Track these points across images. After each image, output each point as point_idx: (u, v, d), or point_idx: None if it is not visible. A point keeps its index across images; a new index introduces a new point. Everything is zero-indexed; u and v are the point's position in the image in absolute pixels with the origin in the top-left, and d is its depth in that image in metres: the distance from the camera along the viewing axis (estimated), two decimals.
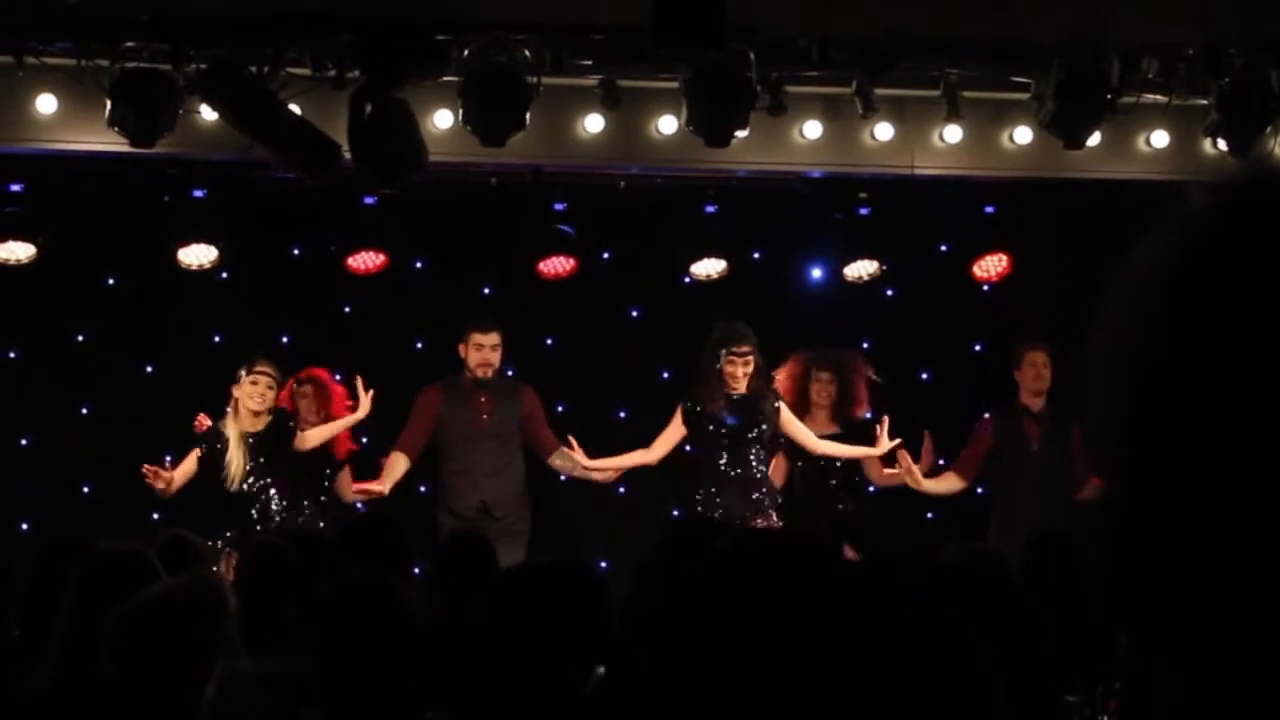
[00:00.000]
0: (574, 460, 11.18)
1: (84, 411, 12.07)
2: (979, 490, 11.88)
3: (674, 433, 11.10)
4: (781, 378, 11.40)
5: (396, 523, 7.55)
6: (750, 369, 10.95)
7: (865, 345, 12.98)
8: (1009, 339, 11.80)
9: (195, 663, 4.32)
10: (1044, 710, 4.34)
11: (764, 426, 10.96)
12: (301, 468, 10.76)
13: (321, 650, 3.99)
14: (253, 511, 10.53)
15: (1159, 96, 10.84)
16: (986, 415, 11.61)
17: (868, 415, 11.63)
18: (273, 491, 10.59)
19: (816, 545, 3.96)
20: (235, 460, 10.56)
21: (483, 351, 11.22)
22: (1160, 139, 11.38)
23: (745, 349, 10.93)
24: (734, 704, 3.68)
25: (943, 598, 4.16)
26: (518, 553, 10.44)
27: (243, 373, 10.65)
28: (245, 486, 10.58)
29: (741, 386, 10.95)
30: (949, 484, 11.51)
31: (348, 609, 4.24)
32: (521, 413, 11.38)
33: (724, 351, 10.90)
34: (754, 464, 10.95)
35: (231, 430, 10.62)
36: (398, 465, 11.12)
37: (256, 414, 10.64)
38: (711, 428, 10.96)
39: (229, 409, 10.67)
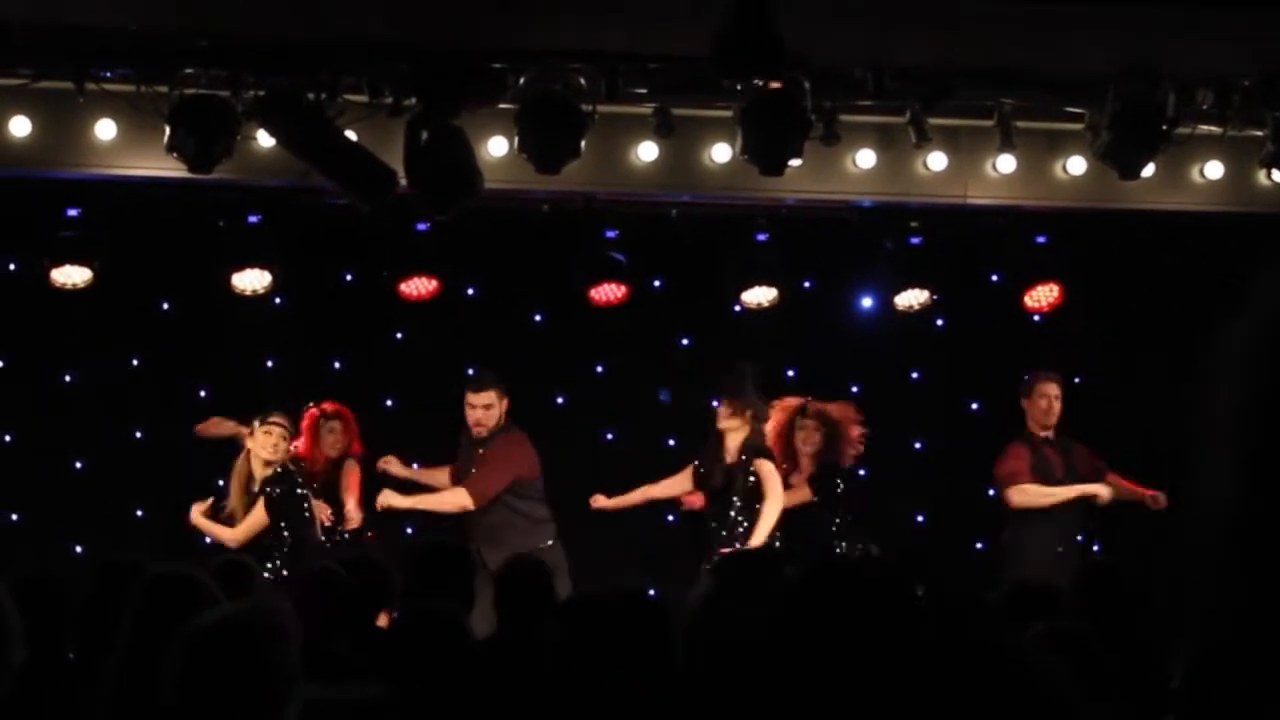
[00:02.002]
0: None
1: (138, 435, 12.13)
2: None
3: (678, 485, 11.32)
4: (770, 425, 11.38)
5: (466, 551, 7.55)
6: (737, 436, 11.04)
7: (915, 375, 12.98)
8: (1073, 371, 11.80)
9: (260, 690, 4.32)
10: None
11: (736, 500, 11.01)
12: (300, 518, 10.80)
13: (396, 677, 4.00)
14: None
15: (1214, 128, 10.81)
16: (1019, 444, 11.56)
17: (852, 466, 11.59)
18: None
19: (887, 576, 3.97)
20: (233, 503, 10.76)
21: (474, 411, 11.24)
22: (1215, 170, 11.35)
23: (725, 411, 11.10)
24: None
25: (1004, 630, 4.16)
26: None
27: (256, 423, 10.73)
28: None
29: (730, 456, 11.03)
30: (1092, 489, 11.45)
31: (419, 637, 4.25)
32: None
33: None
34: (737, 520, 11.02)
35: (234, 487, 10.80)
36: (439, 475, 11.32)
37: (267, 464, 10.70)
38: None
39: (239, 461, 10.83)
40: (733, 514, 10.99)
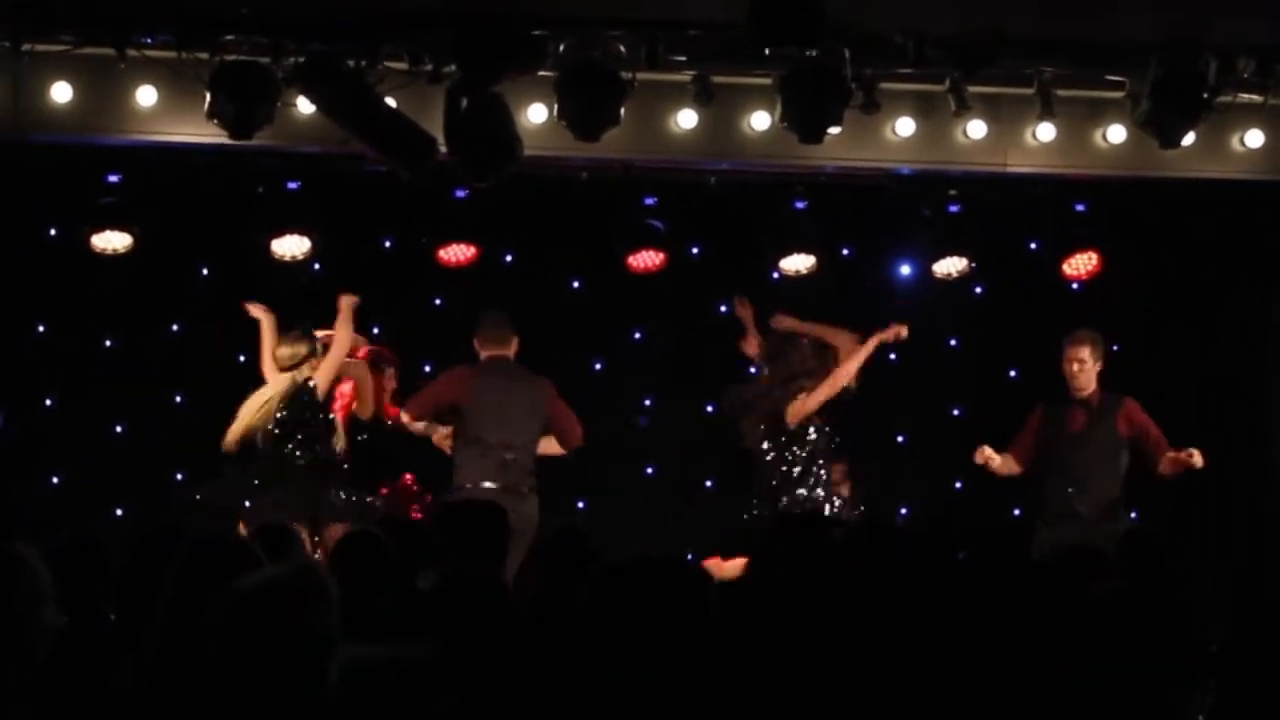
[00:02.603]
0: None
1: (178, 400, 12.19)
2: None
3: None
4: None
5: (499, 508, 7.57)
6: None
7: (953, 343, 12.99)
8: (1111, 339, 11.74)
9: (302, 651, 4.34)
10: (1145, 710, 4.34)
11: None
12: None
13: (448, 636, 4.02)
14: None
15: (1255, 96, 10.78)
16: (1040, 404, 11.57)
17: None
18: (290, 448, 10.70)
19: (933, 539, 3.99)
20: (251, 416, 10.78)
21: None
22: (1255, 139, 11.31)
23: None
24: (852, 689, 3.72)
25: (1043, 593, 4.17)
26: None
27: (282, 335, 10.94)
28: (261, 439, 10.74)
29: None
30: (1009, 466, 11.42)
31: (455, 600, 4.28)
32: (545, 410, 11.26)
33: None
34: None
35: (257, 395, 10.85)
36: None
37: (283, 370, 10.82)
38: None
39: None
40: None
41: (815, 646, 3.49)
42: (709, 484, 12.64)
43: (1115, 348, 12.56)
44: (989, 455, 11.20)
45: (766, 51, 9.86)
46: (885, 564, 3.40)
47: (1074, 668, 3.75)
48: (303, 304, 12.03)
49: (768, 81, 10.45)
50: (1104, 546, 7.26)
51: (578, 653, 4.52)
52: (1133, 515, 11.44)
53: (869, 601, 3.36)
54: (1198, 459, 11.04)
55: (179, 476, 12.07)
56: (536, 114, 10.68)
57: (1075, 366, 11.34)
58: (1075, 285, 12.33)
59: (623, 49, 10.19)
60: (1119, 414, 11.31)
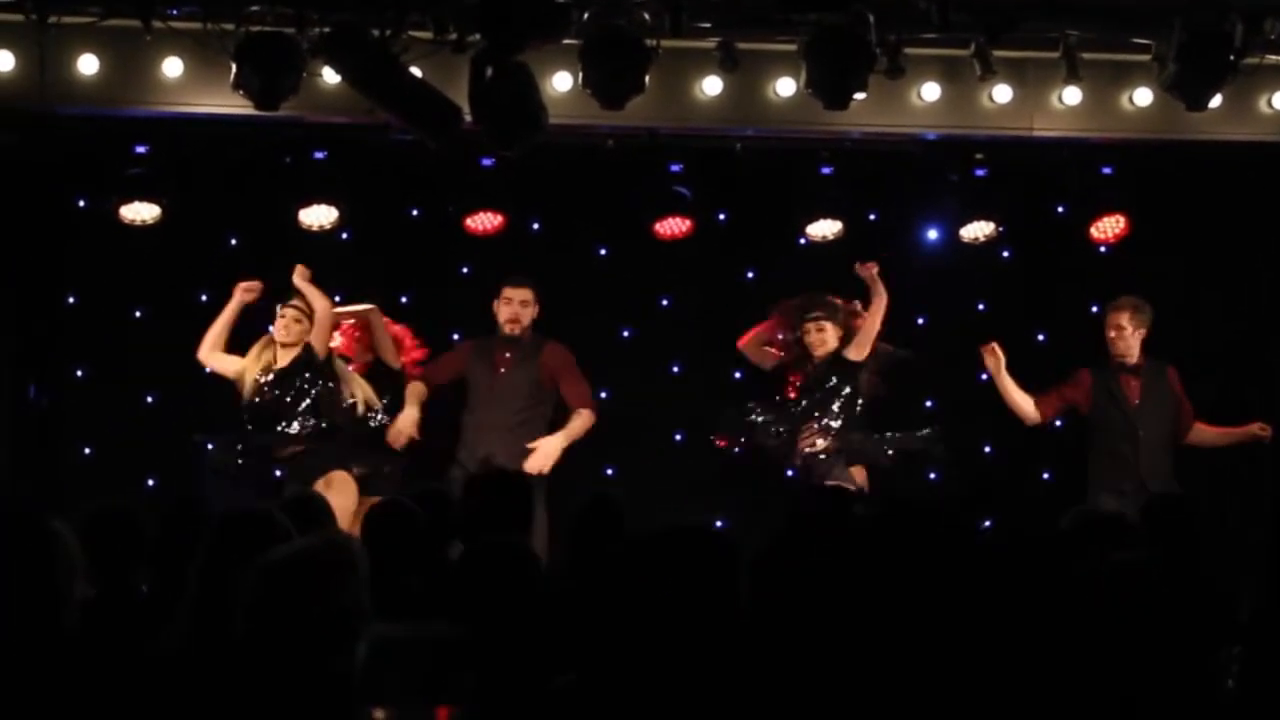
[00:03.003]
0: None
1: (208, 370, 12.21)
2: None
3: None
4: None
5: (524, 478, 7.59)
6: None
7: (980, 307, 12.97)
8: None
9: (329, 623, 4.37)
10: (1175, 674, 4.36)
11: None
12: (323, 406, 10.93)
13: (469, 615, 4.05)
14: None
15: None
16: (1085, 369, 11.59)
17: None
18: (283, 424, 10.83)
19: (954, 515, 4.01)
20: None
21: (511, 306, 11.30)
22: None
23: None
24: (872, 663, 3.74)
25: (1071, 562, 4.18)
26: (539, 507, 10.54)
27: (278, 307, 11.00)
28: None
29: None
30: (1026, 407, 11.53)
31: (484, 573, 4.30)
32: (539, 373, 11.41)
33: None
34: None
35: (258, 361, 10.96)
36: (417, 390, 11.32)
37: (284, 346, 10.90)
38: None
39: (263, 339, 11.05)
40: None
41: (840, 619, 3.52)
42: (737, 450, 12.62)
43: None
44: (997, 354, 11.37)
45: (791, 17, 9.87)
46: (903, 543, 3.42)
47: (1093, 639, 3.77)
48: (332, 272, 12.12)
49: (792, 47, 10.42)
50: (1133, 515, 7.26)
51: (608, 623, 4.55)
52: None
53: (888, 579, 3.38)
54: (1268, 433, 11.11)
55: (209, 446, 12.10)
56: (561, 82, 10.69)
57: (1113, 333, 11.34)
58: (1103, 248, 12.29)
59: (646, 16, 10.17)
60: (1168, 381, 11.34)
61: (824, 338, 11.48)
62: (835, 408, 11.34)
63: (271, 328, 11.00)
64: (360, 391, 11.04)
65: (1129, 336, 11.36)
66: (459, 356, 11.56)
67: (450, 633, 2.66)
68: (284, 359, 10.92)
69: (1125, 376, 11.42)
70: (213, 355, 11.09)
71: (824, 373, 11.40)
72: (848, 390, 11.39)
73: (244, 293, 11.08)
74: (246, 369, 10.94)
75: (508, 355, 11.37)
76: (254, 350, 11.00)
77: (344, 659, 4.32)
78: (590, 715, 4.15)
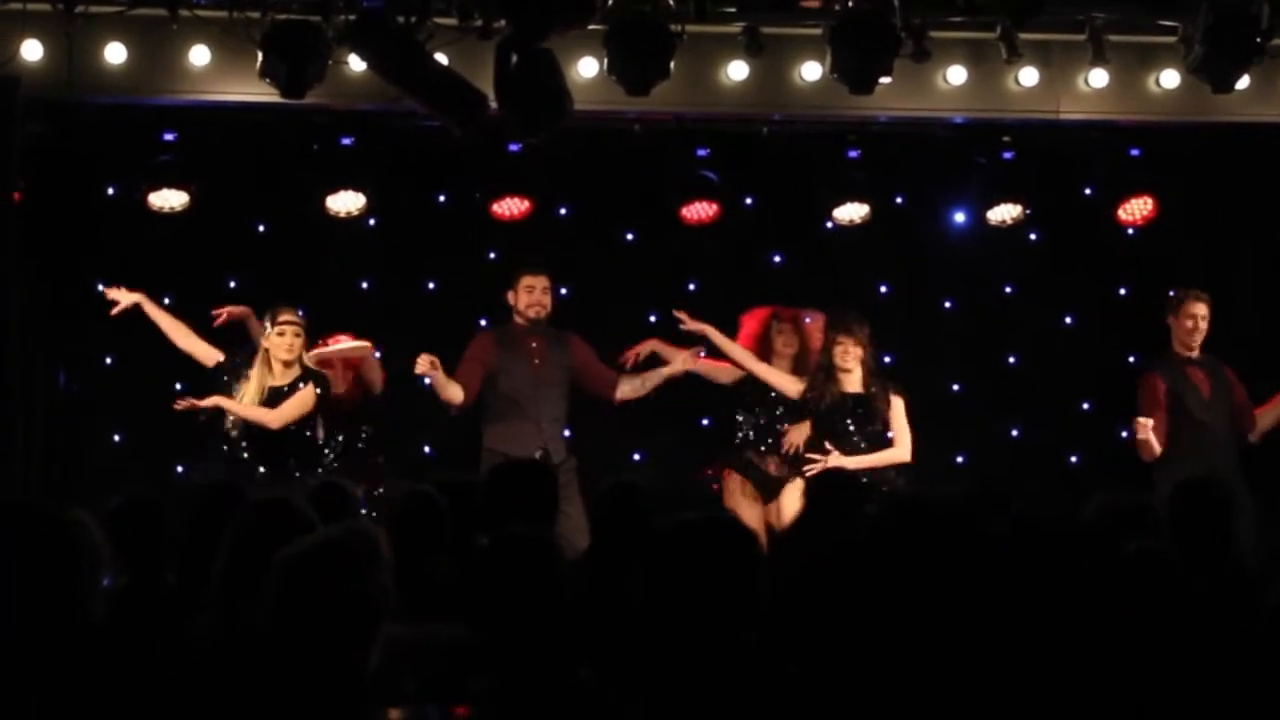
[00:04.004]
0: (637, 380, 11.22)
1: (237, 360, 12.24)
2: None
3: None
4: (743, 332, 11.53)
5: (546, 468, 7.60)
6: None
7: (1008, 290, 12.96)
8: (1167, 284, 11.65)
9: (354, 615, 4.39)
10: (1195, 660, 4.37)
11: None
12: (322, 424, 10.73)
13: (483, 611, 4.07)
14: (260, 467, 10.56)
15: None
16: (1151, 371, 11.20)
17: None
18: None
19: (962, 510, 4.01)
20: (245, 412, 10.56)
21: (534, 294, 11.23)
22: None
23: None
24: (886, 655, 3.75)
25: (1090, 554, 4.18)
26: (576, 496, 10.53)
27: (268, 324, 10.60)
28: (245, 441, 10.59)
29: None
30: (1154, 449, 10.87)
31: (508, 564, 4.32)
32: (571, 362, 11.36)
33: None
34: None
35: (253, 384, 10.60)
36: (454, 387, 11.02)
37: (287, 365, 10.58)
38: None
39: (258, 360, 10.65)
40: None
41: (858, 612, 3.54)
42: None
43: (1171, 293, 12.52)
44: (1147, 429, 10.78)
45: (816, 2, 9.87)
46: (912, 540, 3.43)
47: (1111, 627, 3.78)
48: (359, 259, 12.15)
49: (818, 32, 10.43)
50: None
51: (631, 614, 4.57)
52: None
53: (902, 572, 3.40)
54: None
55: (235, 433, 12.14)
56: (587, 68, 10.71)
57: (1189, 323, 11.06)
58: (1130, 230, 12.28)
59: (671, 2, 10.18)
60: (1226, 374, 11.13)
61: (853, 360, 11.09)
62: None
63: (265, 343, 10.62)
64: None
65: (1204, 330, 11.10)
66: (485, 352, 11.24)
67: (467, 632, 2.68)
68: (283, 379, 10.59)
69: (1192, 369, 11.14)
70: (186, 340, 10.83)
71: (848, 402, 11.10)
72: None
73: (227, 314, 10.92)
74: (246, 391, 10.58)
75: (535, 345, 11.27)
76: (254, 371, 10.61)
77: (368, 649, 4.34)
78: (610, 708, 4.17)
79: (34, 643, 4.48)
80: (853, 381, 10.87)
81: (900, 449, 10.80)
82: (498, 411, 11.15)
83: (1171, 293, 11.31)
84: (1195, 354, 11.16)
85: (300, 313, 10.70)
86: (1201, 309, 11.11)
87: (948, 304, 12.71)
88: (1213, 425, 11.03)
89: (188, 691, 4.61)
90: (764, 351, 11.43)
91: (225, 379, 10.63)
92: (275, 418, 10.44)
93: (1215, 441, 10.96)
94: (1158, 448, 10.77)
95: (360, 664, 4.29)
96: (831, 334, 10.99)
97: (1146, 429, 10.70)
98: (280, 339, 10.56)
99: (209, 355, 10.79)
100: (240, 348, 10.78)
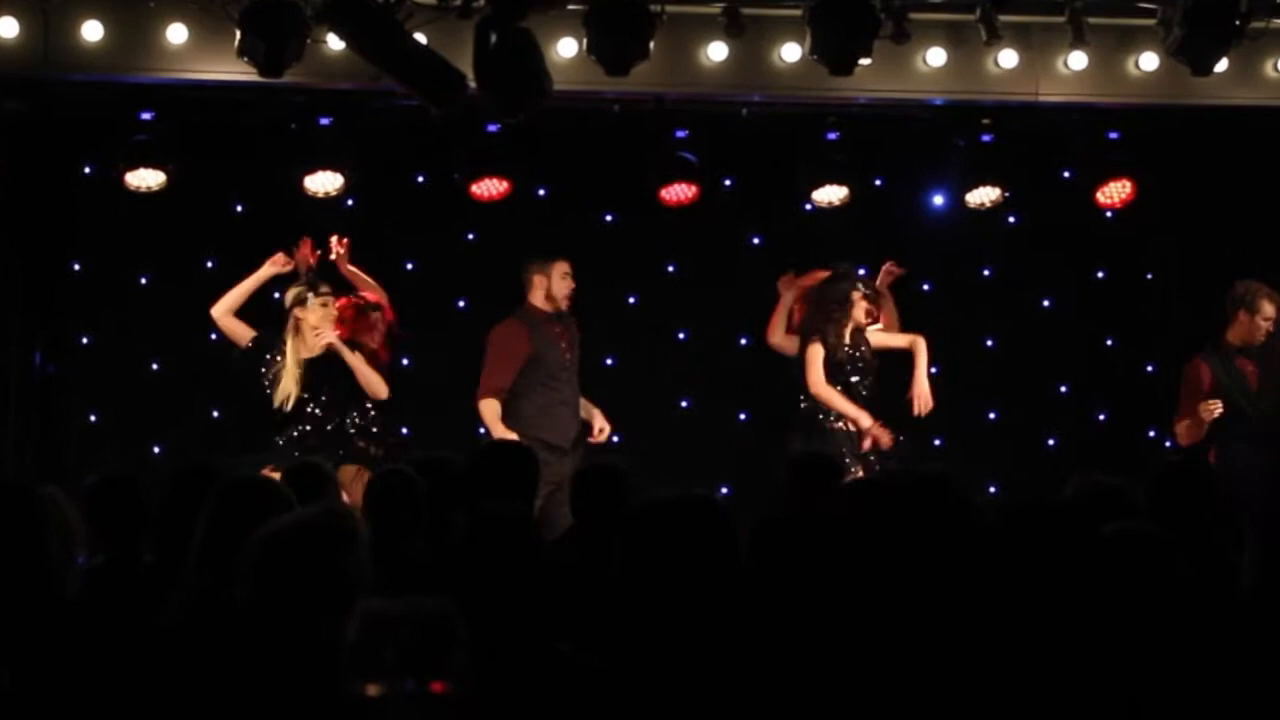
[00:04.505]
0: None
1: (213, 337, 12.20)
2: None
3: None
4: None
5: (529, 451, 7.58)
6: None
7: (986, 272, 12.98)
8: (1145, 268, 11.63)
9: (330, 594, 4.38)
10: (1176, 640, 4.37)
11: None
12: (351, 394, 10.65)
13: (462, 586, 4.07)
14: (295, 431, 10.52)
15: None
16: (1199, 359, 11.04)
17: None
18: (317, 412, 10.55)
19: (940, 481, 4.01)
20: (286, 383, 10.50)
21: (567, 280, 11.21)
22: None
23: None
24: (859, 630, 3.75)
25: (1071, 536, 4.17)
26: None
27: (310, 295, 10.60)
28: (290, 408, 10.52)
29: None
30: (1185, 437, 10.84)
31: (486, 541, 4.31)
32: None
33: None
34: None
35: (289, 354, 10.56)
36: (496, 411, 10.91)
37: (317, 335, 10.57)
38: None
39: (287, 331, 10.62)
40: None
41: (838, 587, 3.53)
42: (743, 417, 12.67)
43: (1149, 276, 12.56)
44: (1214, 411, 10.68)
45: None
46: (899, 513, 3.44)
47: (1087, 607, 3.78)
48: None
49: (798, 13, 10.42)
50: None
51: (610, 592, 4.56)
52: (1167, 444, 11.41)
53: (884, 549, 3.40)
54: None
55: (215, 413, 12.15)
56: (566, 48, 10.68)
57: (1265, 322, 10.86)
58: (1109, 214, 12.28)
59: None
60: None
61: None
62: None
63: (299, 313, 10.60)
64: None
65: (1270, 330, 10.87)
66: (520, 342, 11.11)
67: (445, 606, 2.67)
68: (315, 350, 10.57)
69: (1242, 360, 10.93)
70: (228, 317, 10.69)
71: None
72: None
73: (275, 265, 10.80)
74: (288, 368, 10.53)
75: (560, 330, 11.21)
76: (289, 340, 10.57)
77: (344, 628, 4.33)
78: (590, 684, 4.16)
79: (3, 617, 4.46)
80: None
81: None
82: (533, 398, 11.05)
83: (1239, 284, 11.06)
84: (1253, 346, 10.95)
85: None
86: (1272, 310, 10.91)
87: (926, 286, 12.71)
88: (1258, 416, 10.86)
89: (163, 668, 4.60)
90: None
91: (269, 356, 10.59)
92: (382, 387, 10.49)
93: (1268, 427, 10.78)
94: (1200, 434, 10.70)
95: (336, 640, 4.27)
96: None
97: (1213, 412, 10.63)
98: (324, 309, 10.58)
99: (244, 334, 10.72)
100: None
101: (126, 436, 11.88)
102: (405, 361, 10.95)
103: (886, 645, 3.73)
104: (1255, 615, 5.07)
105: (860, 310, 11.08)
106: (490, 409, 10.86)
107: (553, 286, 11.18)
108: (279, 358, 10.54)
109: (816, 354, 10.93)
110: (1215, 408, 10.64)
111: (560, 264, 11.20)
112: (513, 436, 10.41)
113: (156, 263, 12.25)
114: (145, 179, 11.31)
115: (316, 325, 10.55)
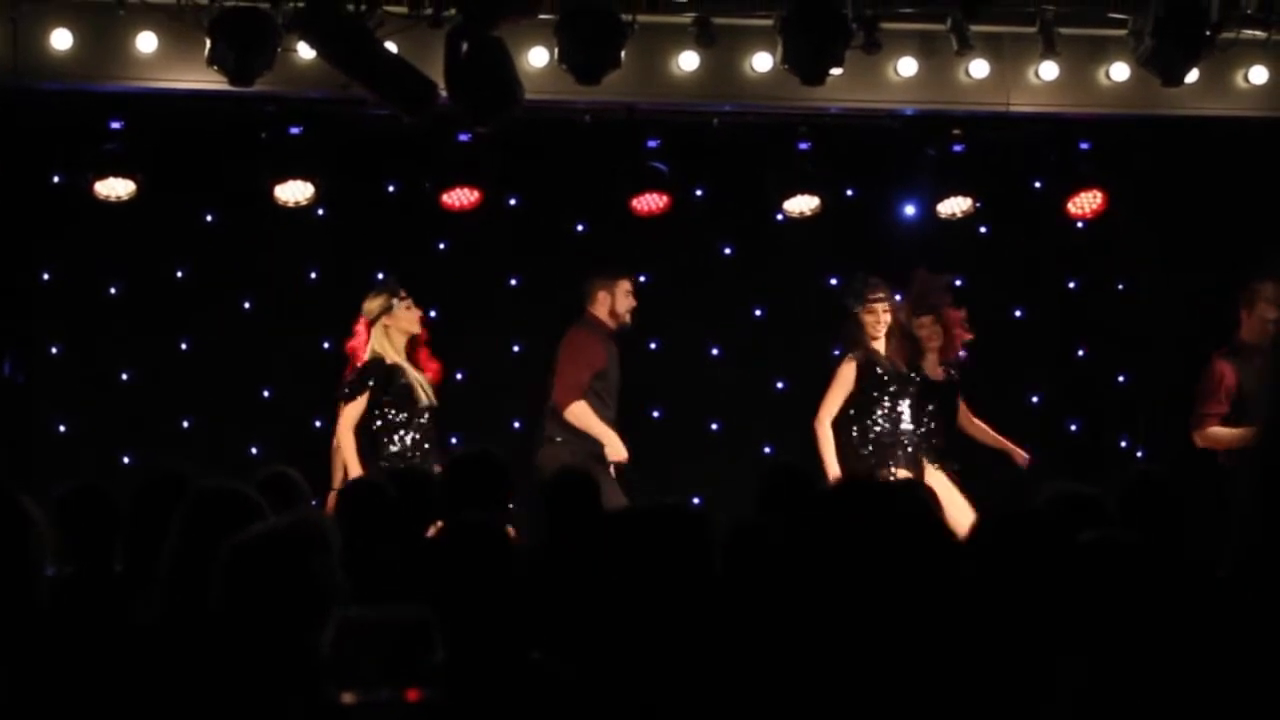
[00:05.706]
0: None
1: (183, 347, 12.20)
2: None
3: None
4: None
5: (503, 462, 7.56)
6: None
7: (958, 282, 12.99)
8: (1116, 278, 11.63)
9: (303, 603, 4.37)
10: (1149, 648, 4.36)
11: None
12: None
13: (437, 593, 4.06)
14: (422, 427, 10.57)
15: (1258, 32, 10.76)
16: (1220, 359, 10.90)
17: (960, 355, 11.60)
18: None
19: (910, 491, 3.99)
20: (420, 384, 10.60)
21: (630, 298, 11.26)
22: (1259, 75, 11.30)
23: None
24: (834, 638, 3.74)
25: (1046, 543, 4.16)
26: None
27: (395, 300, 10.68)
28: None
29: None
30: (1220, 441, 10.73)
31: (460, 550, 4.30)
32: None
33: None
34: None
35: (396, 357, 10.61)
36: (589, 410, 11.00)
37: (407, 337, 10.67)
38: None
39: (380, 341, 10.66)
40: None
41: (812, 596, 3.52)
42: (715, 426, 12.65)
43: (1120, 286, 12.57)
44: None
45: None
46: (861, 522, 3.43)
47: (1060, 617, 3.78)
48: (308, 248, 12.09)
49: (769, 23, 10.43)
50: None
51: (582, 602, 4.55)
52: (1139, 454, 11.43)
53: (855, 557, 3.39)
54: None
55: (185, 424, 12.10)
56: (537, 58, 10.67)
57: (1276, 315, 10.78)
58: (1080, 224, 12.30)
59: None
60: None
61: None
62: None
63: (387, 320, 10.70)
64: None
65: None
66: (598, 350, 11.18)
67: (420, 613, 2.65)
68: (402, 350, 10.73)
69: (1256, 357, 10.69)
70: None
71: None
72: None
73: None
74: (409, 371, 10.60)
75: (614, 348, 11.28)
76: (387, 349, 10.65)
77: (317, 637, 4.31)
78: (563, 693, 4.15)
79: None
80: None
81: None
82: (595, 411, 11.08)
83: (1255, 281, 10.94)
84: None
85: None
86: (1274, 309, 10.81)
87: (897, 297, 12.70)
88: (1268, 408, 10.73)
89: (135, 677, 4.57)
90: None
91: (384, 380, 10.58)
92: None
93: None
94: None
95: (310, 649, 4.26)
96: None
97: None
98: (410, 312, 10.68)
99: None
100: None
101: (96, 446, 11.81)
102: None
103: (862, 655, 3.71)
104: (1232, 620, 5.06)
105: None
106: (584, 409, 10.92)
107: (616, 303, 11.20)
108: (398, 375, 10.56)
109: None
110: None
111: (624, 281, 11.25)
112: (614, 435, 10.72)
113: (126, 272, 12.19)
114: (115, 188, 11.25)
115: (406, 328, 10.65)
